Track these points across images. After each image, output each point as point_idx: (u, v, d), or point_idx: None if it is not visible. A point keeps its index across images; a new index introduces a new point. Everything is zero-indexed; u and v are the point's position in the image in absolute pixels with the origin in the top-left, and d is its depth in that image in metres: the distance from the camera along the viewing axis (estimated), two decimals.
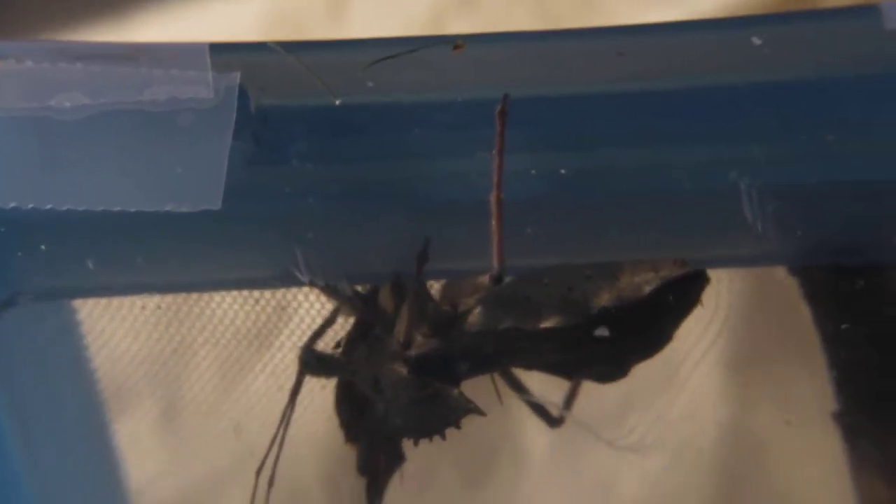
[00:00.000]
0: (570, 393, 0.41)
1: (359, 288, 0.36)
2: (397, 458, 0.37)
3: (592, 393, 0.40)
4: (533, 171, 0.28)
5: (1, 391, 0.34)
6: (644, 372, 0.41)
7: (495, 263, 0.30)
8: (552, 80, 0.28)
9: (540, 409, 0.40)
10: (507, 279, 0.36)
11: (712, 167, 0.28)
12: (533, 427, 0.44)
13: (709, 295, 0.34)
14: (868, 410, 0.33)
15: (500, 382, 0.38)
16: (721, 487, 0.44)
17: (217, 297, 0.36)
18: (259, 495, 0.35)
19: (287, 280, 0.29)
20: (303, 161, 0.26)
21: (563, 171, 0.28)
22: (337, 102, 0.25)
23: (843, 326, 0.32)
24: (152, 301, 0.37)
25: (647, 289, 0.34)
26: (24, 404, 0.35)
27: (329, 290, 0.34)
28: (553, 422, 0.40)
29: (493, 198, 0.29)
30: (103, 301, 0.36)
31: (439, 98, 0.27)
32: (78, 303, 0.37)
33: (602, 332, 0.33)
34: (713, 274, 0.33)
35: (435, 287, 0.38)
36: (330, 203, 0.27)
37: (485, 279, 0.32)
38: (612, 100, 0.28)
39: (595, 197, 0.29)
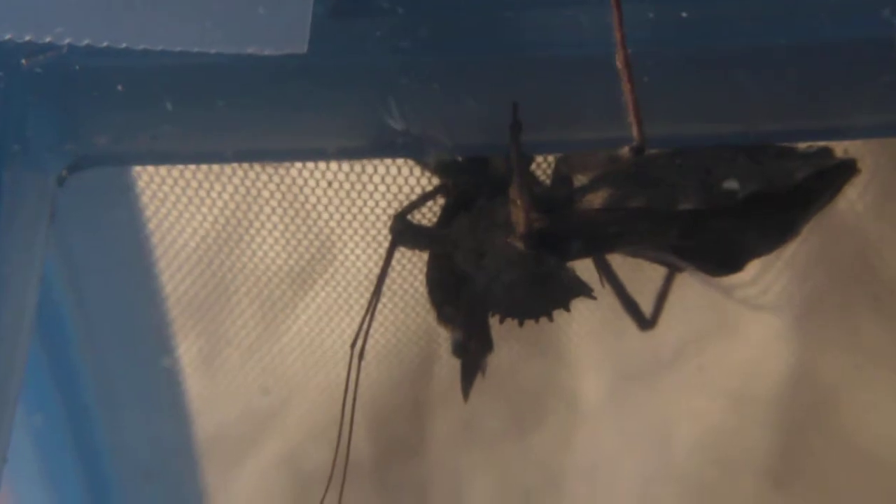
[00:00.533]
0: (662, 291, 0.39)
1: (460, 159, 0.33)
2: (487, 345, 0.35)
3: (647, 338, 0.38)
4: (651, 15, 0.25)
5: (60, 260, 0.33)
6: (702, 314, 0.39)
7: (634, 133, 0.27)
8: None
9: (633, 307, 0.37)
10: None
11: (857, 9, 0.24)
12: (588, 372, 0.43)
13: None
14: None
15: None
16: (784, 433, 0.42)
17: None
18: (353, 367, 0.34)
19: (376, 145, 0.26)
20: (393, 5, 0.23)
21: (684, 15, 0.24)
22: None
23: None
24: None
25: (799, 175, 0.31)
26: (81, 274, 0.35)
27: (431, 162, 0.32)
28: (645, 323, 0.38)
29: (618, 58, 0.26)
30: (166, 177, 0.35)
31: None
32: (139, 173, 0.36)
33: (731, 184, 0.30)
34: None
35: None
36: (421, 53, 0.24)
37: (616, 152, 0.28)
38: None
39: (722, 47, 0.25)
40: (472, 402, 0.37)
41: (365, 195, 0.36)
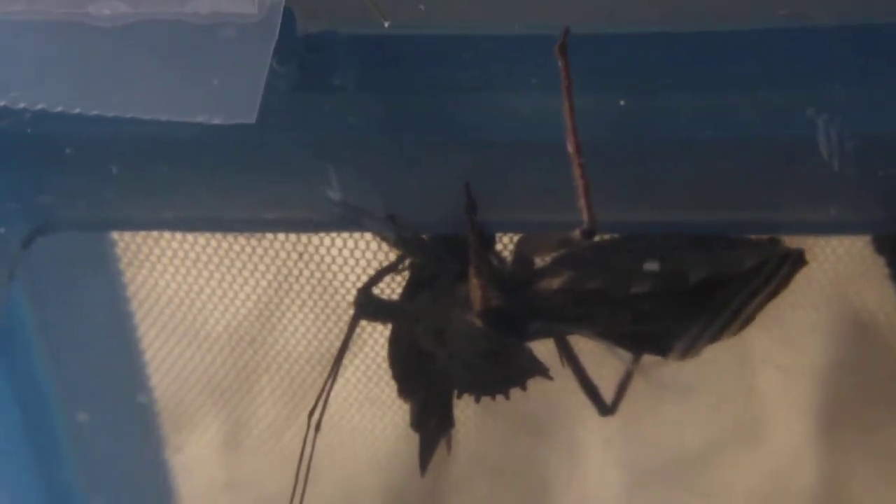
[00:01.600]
0: (626, 376, 0.39)
1: (424, 237, 0.34)
2: (448, 421, 0.36)
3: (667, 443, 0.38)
4: (596, 104, 0.26)
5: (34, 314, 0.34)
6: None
7: (585, 216, 0.28)
8: (613, 16, 0.25)
9: (593, 393, 0.38)
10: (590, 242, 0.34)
11: (785, 110, 0.25)
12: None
13: None
14: None
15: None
16: None
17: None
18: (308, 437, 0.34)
19: (317, 219, 0.27)
20: (347, 88, 0.24)
21: (622, 103, 0.25)
22: (386, 25, 0.23)
23: None
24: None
25: (748, 263, 0.32)
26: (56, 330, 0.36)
27: (390, 238, 0.33)
28: (605, 409, 0.38)
29: (569, 143, 0.27)
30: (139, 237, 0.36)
31: (493, 31, 0.25)
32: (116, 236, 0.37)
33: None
34: None
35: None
36: (373, 134, 0.25)
37: (568, 234, 0.29)
38: (675, 39, 0.25)
39: (660, 142, 0.26)
40: (486, 492, 0.37)
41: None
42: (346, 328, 0.34)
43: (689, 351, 0.33)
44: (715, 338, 0.33)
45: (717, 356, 0.36)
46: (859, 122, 0.24)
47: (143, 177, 0.25)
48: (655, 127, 0.26)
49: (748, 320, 0.32)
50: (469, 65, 0.25)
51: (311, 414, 0.33)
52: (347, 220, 0.28)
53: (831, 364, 0.39)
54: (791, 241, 0.31)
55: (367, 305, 0.34)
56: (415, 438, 0.39)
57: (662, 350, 0.33)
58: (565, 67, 0.25)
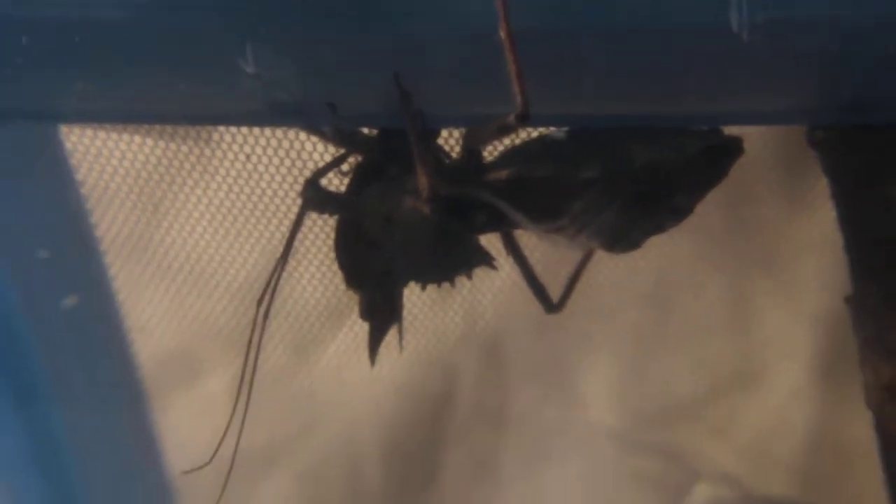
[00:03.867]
0: (575, 271, 0.40)
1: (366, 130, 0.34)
2: (396, 311, 0.36)
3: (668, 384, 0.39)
4: None
5: None
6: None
7: (519, 101, 0.28)
8: None
9: (540, 291, 0.38)
10: (537, 134, 0.34)
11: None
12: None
13: None
14: (884, 294, 0.30)
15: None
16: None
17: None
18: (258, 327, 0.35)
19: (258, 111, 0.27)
20: None
21: None
22: None
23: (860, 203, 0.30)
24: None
25: (690, 150, 0.32)
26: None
27: (328, 133, 0.33)
28: (551, 307, 0.39)
29: (501, 30, 0.27)
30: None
31: None
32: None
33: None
34: None
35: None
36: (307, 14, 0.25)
37: (505, 120, 0.29)
38: None
39: (594, 29, 0.26)
40: (487, 440, 0.38)
41: None
42: (293, 218, 0.34)
43: (634, 242, 0.34)
44: (658, 228, 0.34)
45: (719, 298, 0.37)
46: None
47: (70, 63, 0.25)
48: (587, 13, 0.26)
49: (688, 210, 0.33)
50: None
51: (259, 302, 0.34)
52: (279, 111, 0.28)
53: (834, 308, 0.39)
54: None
55: (315, 196, 0.34)
56: (413, 390, 0.40)
57: (609, 242, 0.34)
58: None
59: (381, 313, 0.36)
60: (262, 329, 0.34)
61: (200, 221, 0.39)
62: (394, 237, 0.34)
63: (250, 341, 0.34)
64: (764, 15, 0.24)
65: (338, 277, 0.35)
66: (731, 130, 0.32)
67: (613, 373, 0.41)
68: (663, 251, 0.39)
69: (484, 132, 0.32)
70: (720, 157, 0.32)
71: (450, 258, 0.34)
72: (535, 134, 0.34)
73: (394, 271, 0.35)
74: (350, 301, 0.39)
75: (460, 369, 0.39)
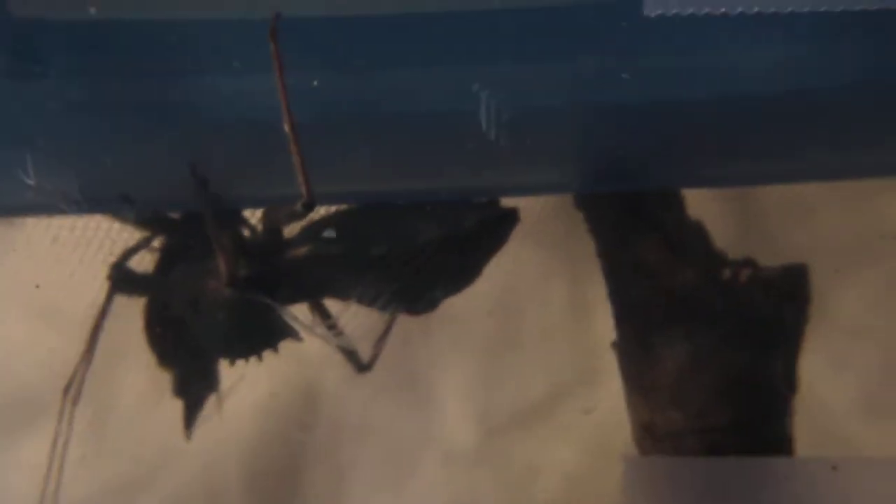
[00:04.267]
0: (382, 334, 0.43)
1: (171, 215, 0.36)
2: (212, 383, 0.38)
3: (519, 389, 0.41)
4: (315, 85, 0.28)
5: None
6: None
7: (303, 191, 0.30)
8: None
9: (350, 354, 0.41)
10: (327, 211, 0.37)
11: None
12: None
13: None
14: (639, 340, 0.34)
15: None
16: None
17: None
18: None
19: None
20: (61, 75, 0.26)
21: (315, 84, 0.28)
22: (92, 10, 0.25)
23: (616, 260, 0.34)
24: None
25: (469, 223, 0.36)
26: None
27: (130, 219, 0.35)
28: (362, 367, 0.41)
29: (285, 124, 0.30)
30: None
31: (207, 16, 0.27)
32: None
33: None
34: None
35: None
36: (93, 120, 0.27)
37: (292, 207, 0.32)
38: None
39: (366, 120, 0.29)
40: (349, 454, 0.39)
41: None
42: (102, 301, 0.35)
43: (432, 302, 0.37)
44: (455, 289, 0.37)
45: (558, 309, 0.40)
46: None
47: None
48: (357, 104, 0.29)
49: (477, 272, 0.36)
50: (180, 48, 0.27)
51: (66, 391, 0.35)
52: (73, 205, 0.29)
53: None
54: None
55: (122, 279, 0.36)
56: (275, 413, 0.41)
57: (408, 306, 0.37)
58: (275, 51, 0.27)
59: (196, 387, 0.37)
60: (71, 416, 0.35)
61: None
62: (200, 316, 0.36)
63: (58, 427, 0.35)
64: (508, 115, 0.27)
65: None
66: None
67: (468, 381, 0.44)
68: (508, 267, 0.42)
69: (279, 214, 0.35)
70: (497, 226, 0.36)
71: (255, 333, 0.36)
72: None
73: (201, 351, 0.37)
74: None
75: (321, 388, 0.40)
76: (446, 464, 0.44)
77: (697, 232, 0.36)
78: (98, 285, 0.39)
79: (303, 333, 0.37)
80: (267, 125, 0.29)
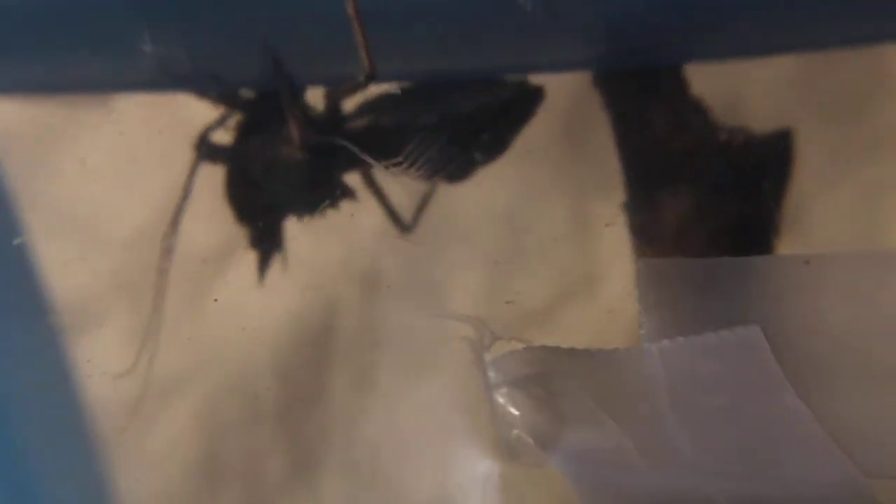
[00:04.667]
0: (423, 199, 0.49)
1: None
2: (278, 240, 0.45)
3: None
4: None
5: None
6: None
7: (365, 64, 0.37)
8: None
9: (394, 214, 0.47)
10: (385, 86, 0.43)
11: None
12: None
13: None
14: (646, 196, 0.40)
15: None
16: None
17: None
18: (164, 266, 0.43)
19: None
20: None
21: None
22: None
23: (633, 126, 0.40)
24: None
25: (503, 96, 0.42)
26: None
27: (214, 96, 0.41)
28: (405, 228, 0.48)
29: (348, 7, 0.36)
30: None
31: None
32: None
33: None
34: None
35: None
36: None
37: (356, 81, 0.38)
38: None
39: None
40: (366, 359, 0.44)
41: None
42: (189, 171, 0.42)
43: (465, 170, 0.43)
44: (487, 161, 0.43)
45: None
46: None
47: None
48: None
49: (504, 146, 0.42)
50: None
51: (164, 237, 0.42)
52: (174, 80, 0.36)
53: None
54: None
55: (207, 150, 0.42)
56: (299, 321, 0.46)
57: (449, 175, 0.43)
58: None
59: (265, 243, 0.44)
60: (170, 260, 0.42)
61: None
62: (275, 178, 0.42)
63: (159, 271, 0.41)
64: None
65: (224, 227, 0.43)
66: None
67: (475, 289, 0.49)
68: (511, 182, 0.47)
69: (342, 90, 0.41)
70: (527, 102, 0.42)
71: (321, 192, 0.43)
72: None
73: (274, 207, 0.43)
74: (237, 245, 0.47)
75: (340, 297, 0.46)
76: (452, 366, 0.48)
77: (698, 105, 0.42)
78: (186, 158, 0.45)
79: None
80: (332, 12, 0.36)
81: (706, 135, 0.41)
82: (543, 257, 0.45)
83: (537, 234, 0.41)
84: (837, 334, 0.30)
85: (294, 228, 0.45)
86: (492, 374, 0.32)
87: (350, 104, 0.43)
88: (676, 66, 0.43)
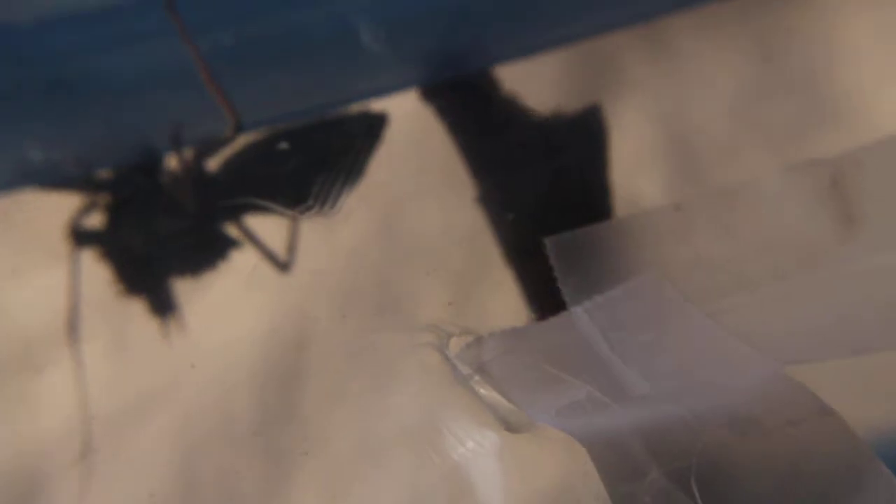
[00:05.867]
0: (291, 237, 0.52)
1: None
2: (172, 305, 0.46)
3: None
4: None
5: None
6: None
7: (227, 116, 0.40)
8: None
9: (271, 255, 0.50)
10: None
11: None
12: None
13: None
14: (498, 184, 0.46)
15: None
16: None
17: None
18: None
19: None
20: None
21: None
22: None
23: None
24: None
25: (353, 128, 0.46)
26: None
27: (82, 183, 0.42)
28: (284, 266, 0.51)
29: (190, 53, 0.39)
30: None
31: None
32: None
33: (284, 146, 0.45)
34: None
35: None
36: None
37: (223, 134, 0.41)
38: None
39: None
40: (340, 371, 0.44)
41: None
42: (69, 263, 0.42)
43: (334, 203, 0.47)
44: (349, 188, 0.47)
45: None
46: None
47: None
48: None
49: (363, 170, 0.47)
50: None
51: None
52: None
53: None
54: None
55: (82, 235, 0.43)
56: (273, 337, 0.47)
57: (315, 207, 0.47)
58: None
59: (163, 310, 0.45)
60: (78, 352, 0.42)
61: None
62: (158, 248, 0.44)
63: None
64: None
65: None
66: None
67: (442, 298, 0.48)
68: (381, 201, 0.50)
69: (212, 147, 0.43)
70: (374, 128, 0.46)
71: (210, 252, 0.45)
72: None
73: (164, 275, 0.45)
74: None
75: (311, 313, 0.46)
76: (422, 374, 0.46)
77: (513, 100, 0.48)
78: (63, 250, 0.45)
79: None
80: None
81: (529, 123, 0.47)
82: (450, 260, 0.49)
83: (431, 241, 0.46)
84: (716, 264, 0.37)
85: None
86: (460, 366, 0.37)
87: (217, 161, 0.45)
88: (486, 70, 0.49)
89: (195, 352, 0.44)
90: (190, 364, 0.43)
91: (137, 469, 0.43)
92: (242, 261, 0.45)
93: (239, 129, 0.39)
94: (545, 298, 0.38)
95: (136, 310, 0.46)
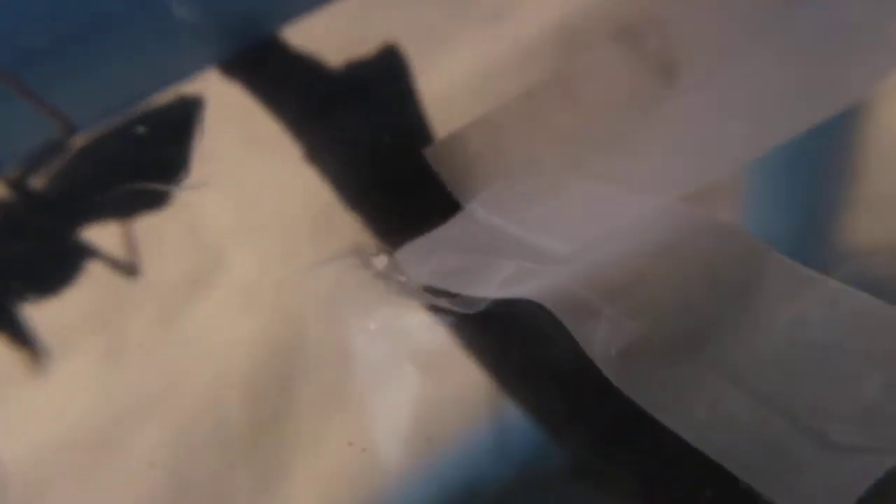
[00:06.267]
0: (129, 242, 0.50)
1: None
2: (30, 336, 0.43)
3: None
4: None
5: None
6: None
7: (53, 120, 0.38)
8: None
9: (115, 263, 0.47)
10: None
11: None
12: None
13: None
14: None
15: None
16: None
17: None
18: None
19: None
20: None
21: None
22: None
23: None
24: None
25: (172, 117, 0.45)
26: None
27: None
28: (131, 270, 0.48)
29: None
30: None
31: None
32: None
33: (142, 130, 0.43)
34: None
35: None
36: None
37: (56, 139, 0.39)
38: None
39: None
40: (333, 375, 0.43)
41: None
42: None
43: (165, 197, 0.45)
44: (181, 181, 0.46)
45: None
46: None
47: None
48: None
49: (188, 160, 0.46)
50: None
51: None
52: None
53: None
54: None
55: None
56: (267, 342, 0.44)
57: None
58: None
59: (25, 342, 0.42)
60: None
61: None
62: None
63: None
64: None
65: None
66: None
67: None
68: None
69: (43, 156, 0.41)
70: (191, 112, 0.45)
71: (58, 270, 0.42)
72: None
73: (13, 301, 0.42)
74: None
75: (304, 317, 0.45)
76: (410, 381, 0.46)
77: (309, 58, 0.49)
78: None
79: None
80: None
81: (329, 76, 0.48)
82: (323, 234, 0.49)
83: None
84: (576, 134, 0.40)
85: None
86: (394, 278, 0.38)
87: (45, 178, 0.42)
88: (273, 35, 0.49)
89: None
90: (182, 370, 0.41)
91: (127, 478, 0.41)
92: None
93: (72, 130, 0.38)
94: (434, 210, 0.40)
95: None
